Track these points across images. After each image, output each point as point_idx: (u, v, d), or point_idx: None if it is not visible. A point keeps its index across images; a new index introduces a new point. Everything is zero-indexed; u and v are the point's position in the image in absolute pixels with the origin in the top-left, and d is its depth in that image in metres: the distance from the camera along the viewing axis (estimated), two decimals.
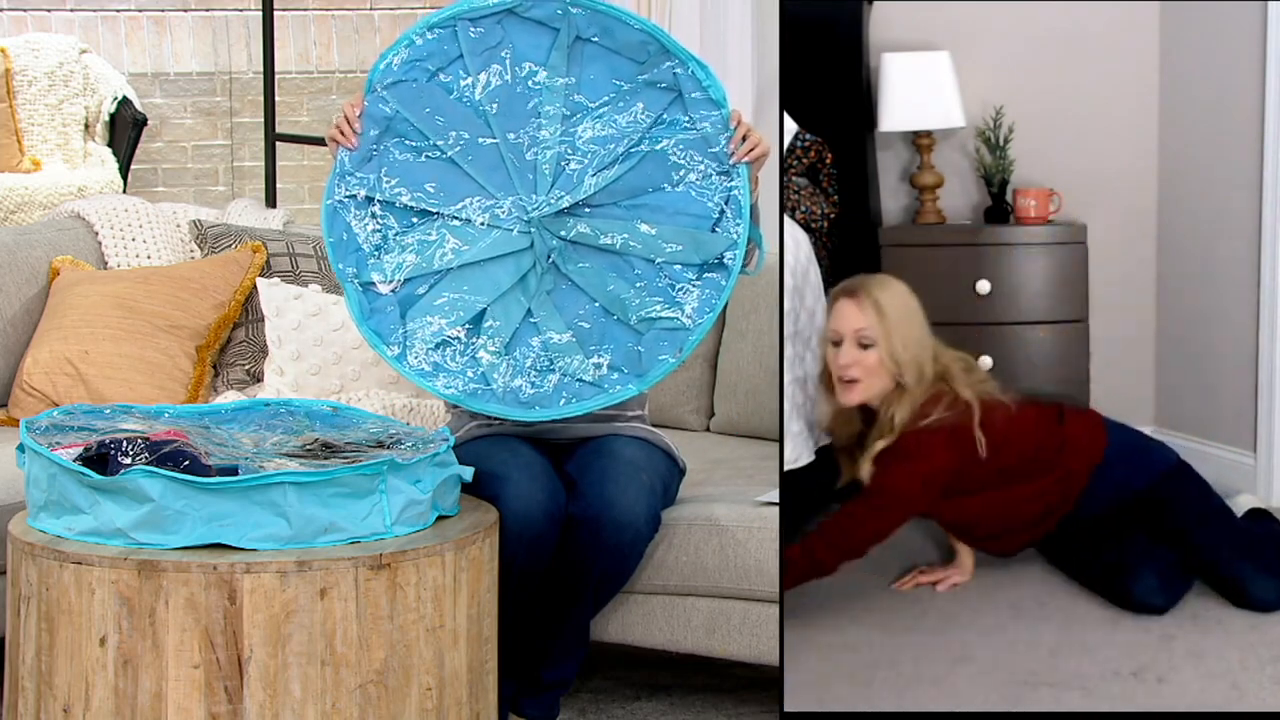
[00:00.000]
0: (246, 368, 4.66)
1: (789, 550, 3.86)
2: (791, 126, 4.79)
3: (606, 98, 3.73)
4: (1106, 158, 5.14)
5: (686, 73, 3.68)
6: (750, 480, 4.19)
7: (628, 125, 3.72)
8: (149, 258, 4.85)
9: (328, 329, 4.54)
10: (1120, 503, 4.01)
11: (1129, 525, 4.01)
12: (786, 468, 4.11)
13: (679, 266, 3.70)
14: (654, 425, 4.18)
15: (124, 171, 7.24)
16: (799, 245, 4.30)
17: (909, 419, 3.86)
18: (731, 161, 3.69)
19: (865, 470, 3.88)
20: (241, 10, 7.82)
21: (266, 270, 4.73)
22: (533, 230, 3.74)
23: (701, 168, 3.70)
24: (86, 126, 7.29)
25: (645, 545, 3.84)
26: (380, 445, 3.60)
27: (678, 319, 3.69)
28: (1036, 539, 4.10)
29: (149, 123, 7.40)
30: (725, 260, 3.68)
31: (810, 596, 4.01)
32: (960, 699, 3.52)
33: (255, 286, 4.68)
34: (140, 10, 7.74)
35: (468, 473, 3.60)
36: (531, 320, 3.74)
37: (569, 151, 3.73)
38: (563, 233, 3.73)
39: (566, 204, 3.72)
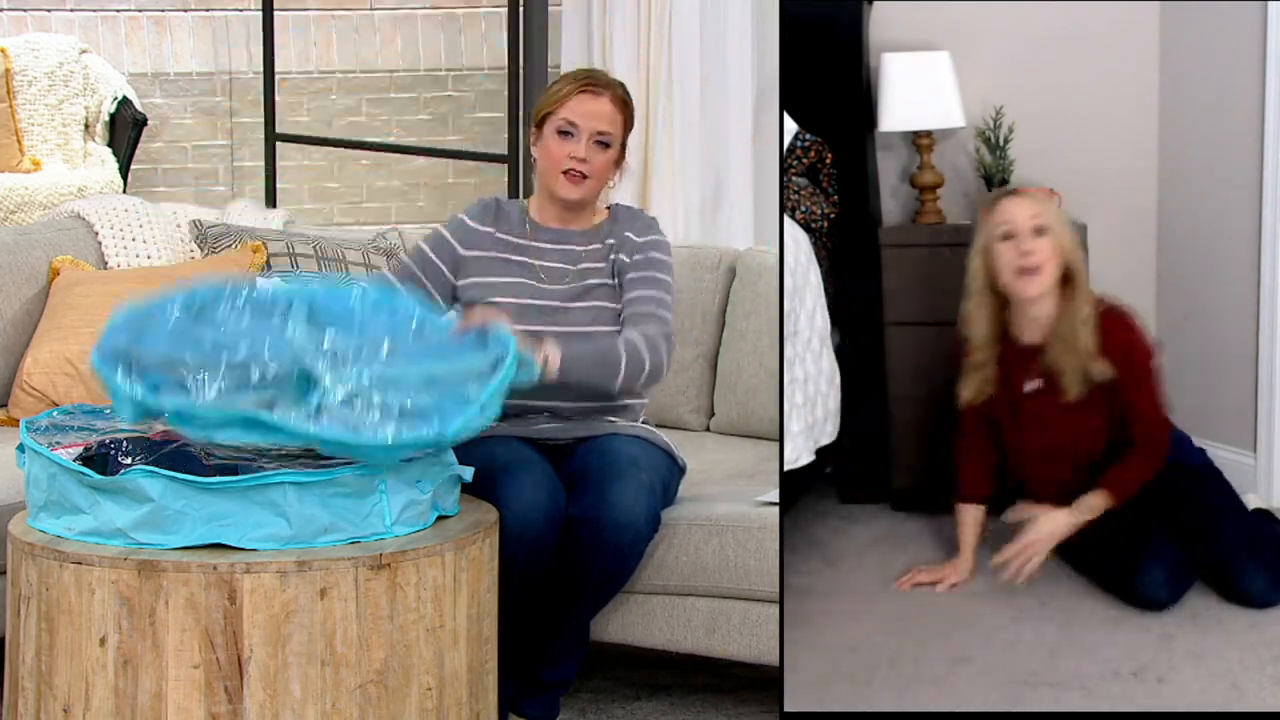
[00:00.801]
0: None
1: (1142, 465, 4.01)
2: (791, 126, 4.79)
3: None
4: (1106, 158, 5.13)
5: None
6: (750, 480, 4.19)
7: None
8: (149, 258, 4.85)
9: None
10: (1149, 484, 4.09)
11: (1139, 519, 4.03)
12: (786, 468, 4.11)
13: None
14: (654, 425, 4.18)
15: (124, 171, 7.24)
16: (799, 245, 4.30)
17: (1087, 308, 3.98)
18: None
19: (1100, 367, 3.98)
20: (241, 10, 7.82)
21: (266, 270, 4.73)
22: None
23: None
24: (86, 126, 7.29)
25: (645, 545, 3.84)
26: None
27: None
28: (1074, 486, 4.13)
29: (149, 123, 7.40)
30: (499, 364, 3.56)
31: (810, 596, 4.01)
32: (960, 699, 3.52)
33: None
34: (140, 10, 7.74)
35: (468, 473, 3.60)
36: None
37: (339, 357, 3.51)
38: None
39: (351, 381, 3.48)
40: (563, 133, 3.94)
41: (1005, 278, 4.01)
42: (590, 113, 3.93)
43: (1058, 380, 4.02)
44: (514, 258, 3.99)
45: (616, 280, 3.99)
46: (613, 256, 3.99)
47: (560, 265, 3.99)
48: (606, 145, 3.95)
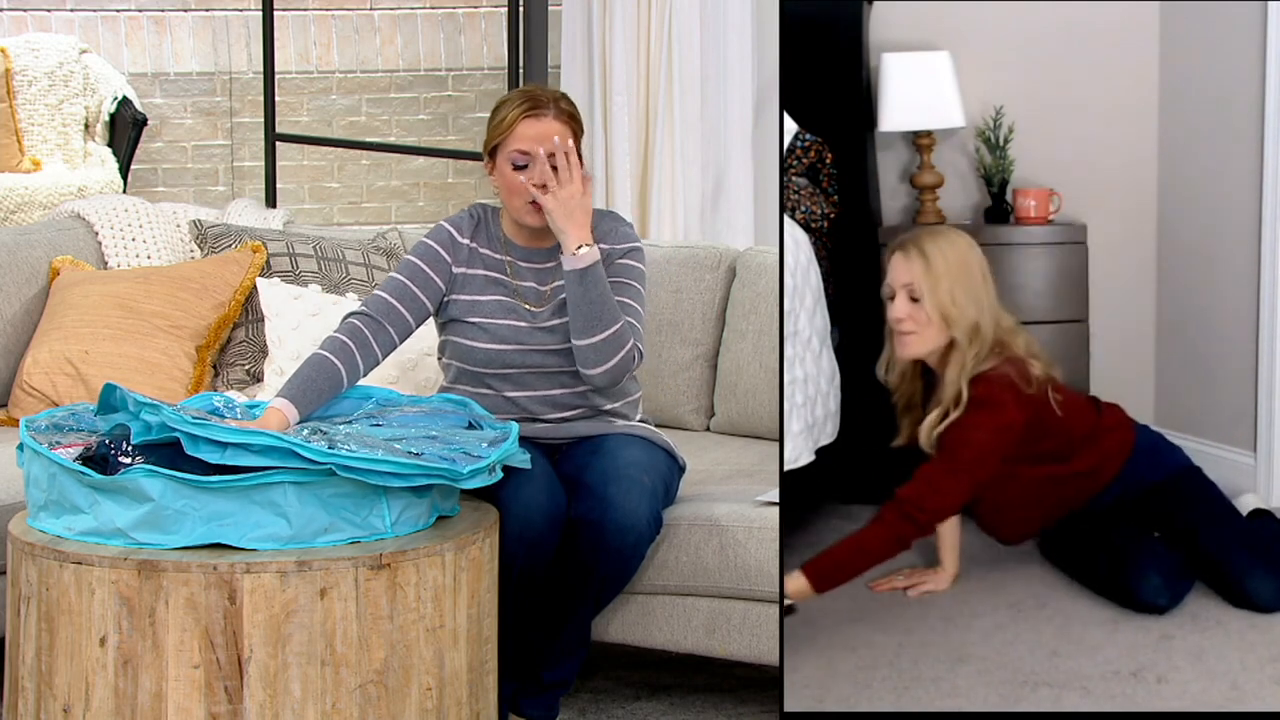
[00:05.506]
0: (246, 368, 4.66)
1: (867, 534, 3.76)
2: (791, 126, 4.79)
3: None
4: (1106, 158, 5.14)
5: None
6: (750, 480, 4.19)
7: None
8: (149, 258, 4.86)
9: (327, 329, 4.53)
10: (1133, 498, 4.03)
11: (1133, 524, 4.02)
12: (786, 468, 4.11)
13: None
14: (653, 424, 4.17)
15: (124, 171, 7.24)
16: (799, 246, 4.30)
17: (957, 379, 3.81)
18: None
19: (927, 438, 3.84)
20: (241, 10, 7.82)
21: (266, 270, 4.73)
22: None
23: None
24: (86, 126, 7.29)
25: (647, 547, 3.84)
26: None
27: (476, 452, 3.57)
28: (1046, 528, 4.10)
29: (149, 123, 7.40)
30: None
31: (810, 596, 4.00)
32: (960, 699, 3.52)
33: (255, 286, 4.68)
34: (140, 10, 7.74)
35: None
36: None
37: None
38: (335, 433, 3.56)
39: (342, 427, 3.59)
40: (517, 164, 3.91)
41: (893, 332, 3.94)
42: (539, 135, 3.89)
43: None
44: (494, 276, 3.98)
45: None
46: None
47: (535, 286, 3.97)
48: None
